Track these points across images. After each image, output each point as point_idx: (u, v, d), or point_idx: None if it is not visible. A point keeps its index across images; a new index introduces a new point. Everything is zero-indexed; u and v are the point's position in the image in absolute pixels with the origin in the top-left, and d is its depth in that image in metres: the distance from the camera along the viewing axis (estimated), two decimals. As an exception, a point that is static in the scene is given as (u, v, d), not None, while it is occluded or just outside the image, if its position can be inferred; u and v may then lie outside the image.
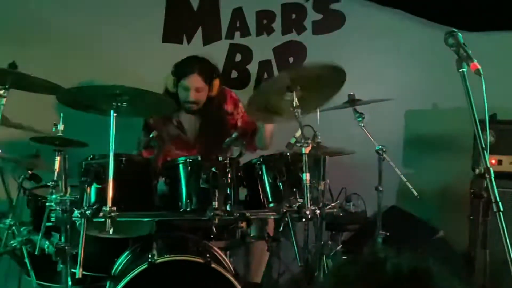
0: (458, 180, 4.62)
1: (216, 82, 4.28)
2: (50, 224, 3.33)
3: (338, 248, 3.94)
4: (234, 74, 5.07)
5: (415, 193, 3.96)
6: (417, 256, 1.08)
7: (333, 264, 3.13)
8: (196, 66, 4.24)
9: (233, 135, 3.87)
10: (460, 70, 2.46)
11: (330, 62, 3.36)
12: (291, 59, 5.10)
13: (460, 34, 2.51)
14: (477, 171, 4.04)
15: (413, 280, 0.83)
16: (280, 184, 3.55)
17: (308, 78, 3.36)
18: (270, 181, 3.58)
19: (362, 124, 3.87)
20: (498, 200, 2.33)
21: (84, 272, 3.18)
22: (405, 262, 0.85)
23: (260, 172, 3.60)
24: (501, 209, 2.32)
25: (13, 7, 4.77)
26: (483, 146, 2.44)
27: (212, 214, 3.31)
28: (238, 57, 5.09)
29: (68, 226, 3.26)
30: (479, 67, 2.39)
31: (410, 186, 3.94)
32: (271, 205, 3.56)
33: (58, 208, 3.22)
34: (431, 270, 0.84)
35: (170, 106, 3.77)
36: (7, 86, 3.32)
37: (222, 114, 4.40)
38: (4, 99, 3.31)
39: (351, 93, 3.88)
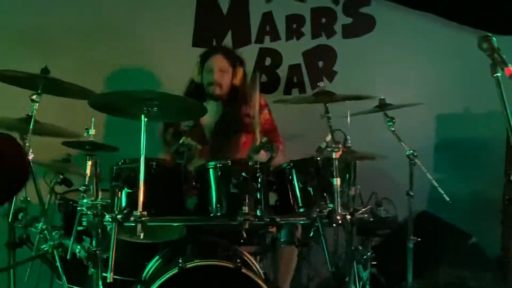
0: (491, 185, 4.57)
1: (240, 71, 4.30)
2: (81, 228, 3.33)
3: (368, 253, 3.89)
4: (263, 78, 5.05)
5: (447, 198, 3.92)
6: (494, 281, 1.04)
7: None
8: (221, 48, 4.39)
9: (264, 140, 3.86)
10: (495, 75, 2.43)
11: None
12: (320, 63, 5.09)
13: (494, 39, 2.48)
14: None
15: None
16: (310, 189, 3.53)
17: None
18: (300, 185, 3.56)
19: (393, 129, 3.85)
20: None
21: (114, 276, 3.18)
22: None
23: (290, 177, 3.59)
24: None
25: (44, 12, 4.81)
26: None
27: (242, 219, 3.29)
28: (267, 61, 5.09)
29: (99, 231, 3.26)
30: (515, 72, 2.37)
31: (441, 191, 3.90)
32: (301, 210, 3.54)
33: (89, 213, 3.23)
34: None
35: (200, 111, 3.78)
36: (39, 91, 3.35)
37: (242, 111, 4.39)
38: (37, 104, 3.34)
39: (382, 97, 3.86)
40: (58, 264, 3.54)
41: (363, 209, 3.71)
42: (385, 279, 4.18)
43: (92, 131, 3.40)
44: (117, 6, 4.91)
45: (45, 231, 3.57)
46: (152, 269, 3.56)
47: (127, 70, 4.88)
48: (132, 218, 3.16)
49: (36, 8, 4.81)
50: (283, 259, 4.10)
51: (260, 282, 3.28)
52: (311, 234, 3.67)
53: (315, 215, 3.39)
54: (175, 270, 3.23)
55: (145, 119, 3.19)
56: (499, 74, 2.44)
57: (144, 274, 3.56)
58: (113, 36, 4.87)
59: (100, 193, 3.38)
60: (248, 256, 3.62)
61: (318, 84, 3.77)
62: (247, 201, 3.35)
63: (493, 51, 2.46)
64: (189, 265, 3.25)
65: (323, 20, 5.07)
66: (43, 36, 4.79)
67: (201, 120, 4.32)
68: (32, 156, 3.32)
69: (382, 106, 3.86)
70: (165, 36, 4.94)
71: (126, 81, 4.79)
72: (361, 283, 3.79)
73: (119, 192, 3.36)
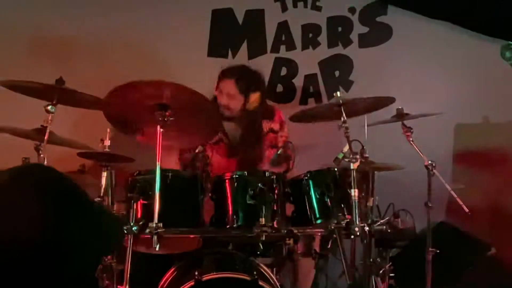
0: (510, 196, 4.53)
1: (254, 96, 4.27)
2: (96, 239, 3.32)
3: (386, 266, 3.86)
4: (279, 88, 5.05)
5: (466, 209, 3.87)
6: None
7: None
8: (237, 73, 4.29)
9: (278, 152, 3.85)
10: (518, 84, 2.40)
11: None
12: (337, 73, 5.07)
13: (517, 47, 2.45)
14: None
15: None
16: (328, 200, 3.51)
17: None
18: (318, 196, 3.53)
19: (411, 139, 3.81)
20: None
21: (130, 288, 3.19)
22: None
23: (307, 188, 3.56)
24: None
25: (60, 22, 4.82)
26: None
27: (259, 230, 3.27)
28: (283, 71, 5.07)
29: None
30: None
31: (460, 202, 3.86)
32: (319, 221, 3.51)
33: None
34: None
35: (217, 122, 3.76)
36: (54, 102, 3.34)
37: (260, 129, 4.38)
38: (51, 115, 3.33)
39: (400, 107, 3.82)
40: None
41: (381, 221, 3.69)
42: (404, 291, 4.14)
43: (107, 142, 3.39)
44: (133, 16, 4.90)
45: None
46: (167, 282, 3.53)
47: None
48: (147, 230, 3.16)
49: (52, 18, 4.82)
50: (300, 271, 4.06)
51: (277, 294, 3.26)
52: (328, 246, 3.66)
53: (332, 227, 3.36)
54: (191, 283, 3.20)
55: (161, 130, 3.19)
56: (522, 83, 2.41)
57: (159, 286, 3.53)
58: (129, 47, 4.87)
59: (115, 205, 3.37)
60: (265, 268, 3.59)
61: (334, 94, 3.74)
62: (263, 212, 3.34)
63: (517, 59, 2.43)
64: (206, 277, 3.23)
65: (339, 29, 5.05)
66: (59, 47, 4.79)
67: (225, 137, 4.34)
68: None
69: (400, 116, 3.83)
70: (180, 46, 4.93)
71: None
72: (379, 295, 3.76)
73: (135, 204, 3.35)
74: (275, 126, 4.40)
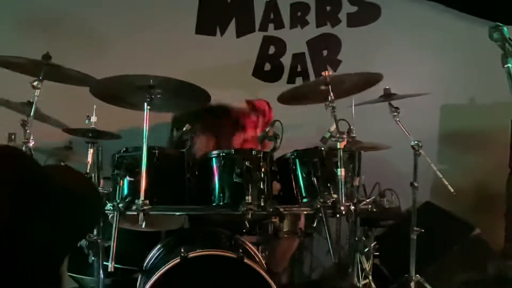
0: (494, 177, 4.56)
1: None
2: (82, 216, 3.32)
3: (371, 244, 3.88)
4: (267, 67, 5.03)
5: (451, 189, 3.89)
6: None
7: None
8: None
9: (267, 130, 3.84)
10: (506, 65, 2.39)
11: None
12: (325, 52, 5.06)
13: (505, 29, 2.44)
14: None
15: None
16: (314, 179, 3.51)
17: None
18: (304, 176, 3.54)
19: (398, 119, 3.82)
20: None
21: (116, 265, 3.17)
22: None
23: (294, 167, 3.58)
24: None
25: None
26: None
27: (245, 208, 3.28)
28: (271, 50, 5.05)
29: (101, 215, 3.25)
30: (526, 63, 2.33)
31: (446, 182, 3.88)
32: (305, 200, 3.53)
33: (93, 200, 3.21)
34: None
35: (204, 99, 3.74)
36: (40, 78, 3.32)
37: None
38: (38, 91, 3.30)
39: (387, 87, 3.82)
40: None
41: (367, 200, 3.71)
42: (388, 270, 4.17)
43: (94, 119, 3.38)
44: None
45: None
46: (153, 258, 3.54)
47: (135, 56, 4.85)
48: (134, 207, 3.17)
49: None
50: (281, 247, 4.08)
51: (262, 272, 3.26)
52: (314, 225, 3.66)
53: (318, 206, 3.37)
54: (177, 260, 3.20)
55: (148, 107, 3.18)
56: (510, 65, 2.40)
57: (145, 263, 3.54)
58: (117, 24, 4.83)
59: (102, 182, 3.37)
60: (251, 246, 3.60)
61: (322, 73, 3.74)
62: (250, 190, 3.33)
63: (505, 41, 2.42)
64: (192, 255, 3.22)
65: (328, 8, 5.04)
66: (47, 21, 4.74)
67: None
68: (32, 143, 3.29)
69: (387, 96, 3.83)
70: (169, 23, 4.90)
71: (134, 66, 4.73)
72: (363, 274, 3.78)
73: (121, 181, 3.35)
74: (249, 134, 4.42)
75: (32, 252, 0.95)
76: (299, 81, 5.03)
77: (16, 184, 0.96)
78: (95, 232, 3.27)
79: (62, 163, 3.64)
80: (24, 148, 3.22)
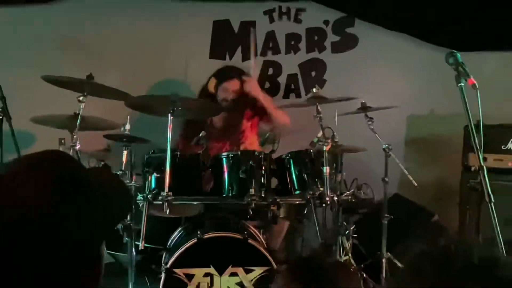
0: (450, 173, 4.54)
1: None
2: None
3: (351, 228, 3.86)
4: (267, 85, 4.99)
5: (415, 184, 3.90)
6: (483, 246, 1.00)
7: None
8: (237, 73, 4.26)
9: (267, 135, 3.84)
10: (459, 84, 2.38)
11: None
12: (313, 73, 5.02)
13: (459, 55, 2.43)
14: (472, 167, 3.96)
15: (482, 268, 0.74)
16: (305, 175, 3.53)
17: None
18: (297, 173, 3.55)
19: (372, 127, 3.81)
20: (490, 192, 2.27)
21: (145, 244, 3.20)
22: (473, 252, 0.77)
23: (288, 166, 3.58)
24: (493, 200, 2.26)
25: (91, 28, 4.77)
26: (477, 146, 2.37)
27: (249, 199, 3.29)
28: (270, 71, 5.02)
29: (133, 207, 3.24)
30: (475, 82, 2.32)
31: (410, 178, 3.89)
32: (297, 192, 3.54)
33: (128, 193, 3.20)
34: (497, 258, 0.76)
35: (214, 111, 3.75)
36: (85, 94, 3.31)
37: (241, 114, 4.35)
38: (83, 104, 3.30)
39: (363, 101, 3.82)
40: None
41: (347, 192, 3.70)
42: (364, 249, 4.15)
43: (127, 126, 3.38)
44: (151, 25, 4.84)
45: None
46: (175, 239, 3.55)
47: (161, 76, 4.86)
48: (159, 198, 3.17)
49: (85, 24, 4.77)
50: (276, 229, 4.07)
51: (263, 250, 3.26)
52: (304, 212, 3.65)
53: (308, 197, 3.39)
54: (194, 240, 3.20)
55: (171, 117, 3.18)
56: (462, 84, 2.39)
57: (169, 243, 3.54)
58: (147, 50, 4.82)
59: (134, 177, 3.36)
60: (254, 229, 3.59)
61: (310, 90, 3.74)
62: (253, 184, 3.34)
63: (458, 64, 2.41)
64: (206, 236, 3.23)
65: (316, 38, 5.00)
66: (90, 47, 4.74)
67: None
68: (79, 146, 3.28)
69: (363, 108, 3.82)
70: (188, 49, 4.89)
71: (160, 86, 4.76)
72: (344, 252, 3.77)
73: (149, 176, 3.37)
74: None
75: (78, 236, 0.95)
76: (292, 96, 5.00)
77: (64, 181, 0.95)
78: (128, 218, 3.26)
79: (102, 163, 3.62)
80: (71, 150, 3.22)
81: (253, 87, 4.23)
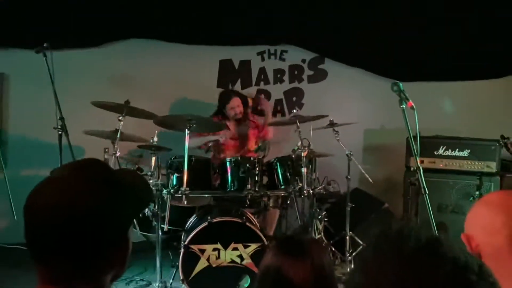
0: (396, 172, 4.54)
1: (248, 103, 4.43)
2: (149, 198, 3.31)
3: (323, 213, 3.88)
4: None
5: (370, 180, 3.93)
6: (429, 229, 0.98)
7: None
8: (233, 92, 4.40)
9: (259, 145, 3.86)
10: (401, 106, 2.42)
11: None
12: (294, 98, 5.04)
13: (401, 84, 2.47)
14: (412, 168, 3.98)
15: (429, 246, 0.74)
16: (288, 174, 3.55)
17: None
18: (282, 172, 3.57)
19: (338, 138, 3.83)
20: (425, 186, 2.30)
21: (169, 227, 3.21)
22: (422, 233, 0.76)
23: (275, 167, 3.60)
24: (427, 192, 2.29)
25: (127, 65, 4.79)
26: (415, 153, 2.40)
27: (246, 192, 3.34)
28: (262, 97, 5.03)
29: (159, 199, 3.26)
30: (413, 105, 2.36)
31: (367, 176, 3.92)
32: (282, 187, 3.55)
33: (154, 188, 3.22)
34: (441, 238, 0.76)
35: (221, 127, 3.78)
36: (124, 115, 3.33)
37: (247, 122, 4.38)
38: (122, 123, 3.32)
39: (331, 119, 3.83)
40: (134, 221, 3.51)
41: (320, 187, 3.72)
42: (333, 229, 4.15)
43: (155, 139, 3.39)
44: (172, 64, 4.85)
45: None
46: (191, 223, 3.54)
47: (181, 101, 4.89)
48: (179, 192, 3.18)
49: (126, 61, 4.79)
50: (270, 217, 4.07)
51: (258, 231, 3.28)
52: (288, 202, 3.67)
53: (290, 190, 3.41)
54: (206, 223, 3.22)
55: (188, 132, 3.20)
56: (403, 106, 2.43)
57: (186, 226, 3.54)
58: (168, 82, 4.83)
59: (160, 176, 3.38)
60: (250, 215, 3.59)
61: (292, 111, 3.77)
62: (250, 181, 3.37)
63: (400, 91, 2.45)
64: (215, 220, 3.24)
65: (296, 72, 5.04)
66: (126, 81, 4.76)
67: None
68: (119, 153, 3.30)
69: (331, 124, 3.83)
70: (200, 81, 4.90)
71: (180, 107, 4.77)
72: (318, 231, 3.78)
73: (172, 176, 3.38)
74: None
75: (112, 223, 0.96)
76: (279, 116, 5.00)
77: (98, 180, 0.96)
78: (156, 207, 3.27)
79: (136, 166, 3.63)
80: (113, 157, 3.23)
81: (265, 105, 4.50)
